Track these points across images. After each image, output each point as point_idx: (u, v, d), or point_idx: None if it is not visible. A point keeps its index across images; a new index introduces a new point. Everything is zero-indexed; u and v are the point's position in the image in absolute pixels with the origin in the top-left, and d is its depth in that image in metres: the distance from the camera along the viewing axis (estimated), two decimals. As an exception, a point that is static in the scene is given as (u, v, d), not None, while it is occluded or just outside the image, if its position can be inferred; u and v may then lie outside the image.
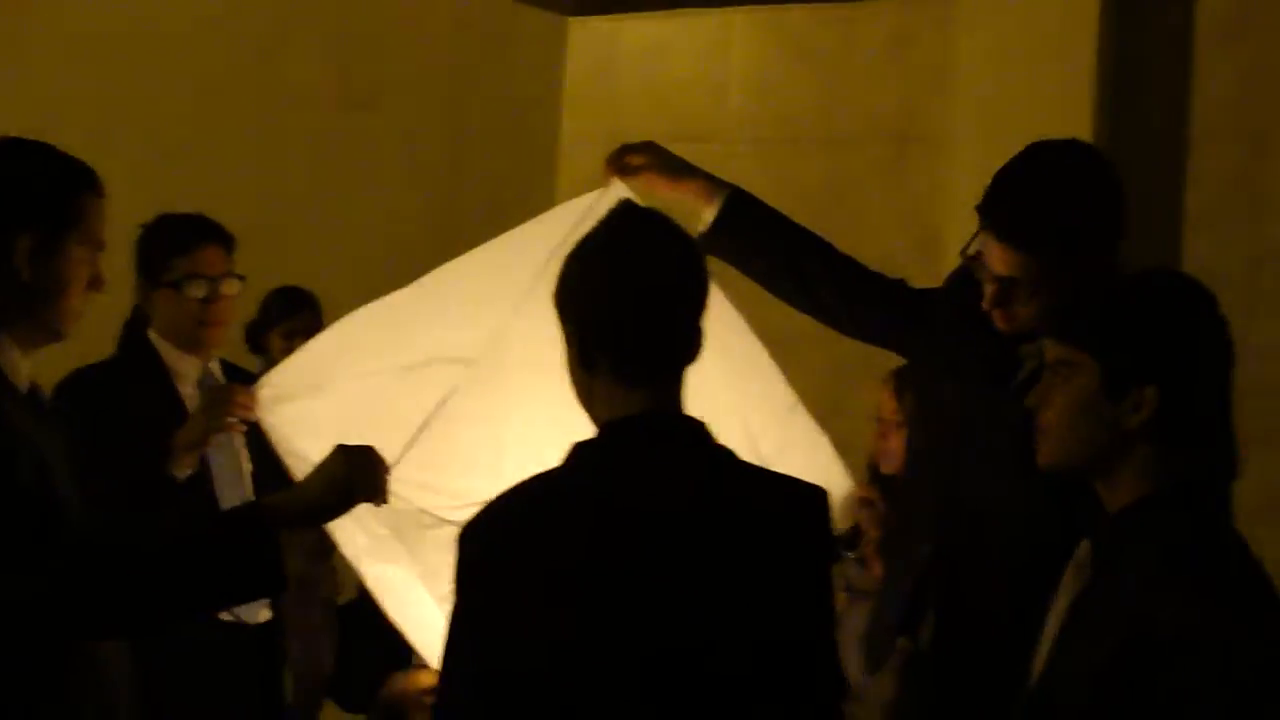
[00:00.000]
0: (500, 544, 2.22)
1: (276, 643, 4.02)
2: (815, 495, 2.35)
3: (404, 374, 3.00)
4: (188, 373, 3.89)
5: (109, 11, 6.42)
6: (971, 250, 2.99)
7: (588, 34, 6.63)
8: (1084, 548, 2.36)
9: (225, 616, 3.76)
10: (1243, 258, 5.24)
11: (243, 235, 4.00)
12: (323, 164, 6.69)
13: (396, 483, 2.72)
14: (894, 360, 3.74)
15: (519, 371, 2.84)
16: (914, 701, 3.27)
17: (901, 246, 5.42)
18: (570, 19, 6.67)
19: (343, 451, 2.64)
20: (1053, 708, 2.26)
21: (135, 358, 3.91)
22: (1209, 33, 5.38)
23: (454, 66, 6.86)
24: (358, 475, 2.64)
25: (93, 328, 2.79)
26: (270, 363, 4.64)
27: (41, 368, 2.72)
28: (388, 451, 2.71)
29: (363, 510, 2.73)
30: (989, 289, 2.95)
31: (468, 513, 2.29)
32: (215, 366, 3.98)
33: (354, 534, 2.91)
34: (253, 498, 3.79)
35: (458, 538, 2.24)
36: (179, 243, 3.88)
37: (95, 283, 2.63)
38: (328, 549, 3.64)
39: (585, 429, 2.30)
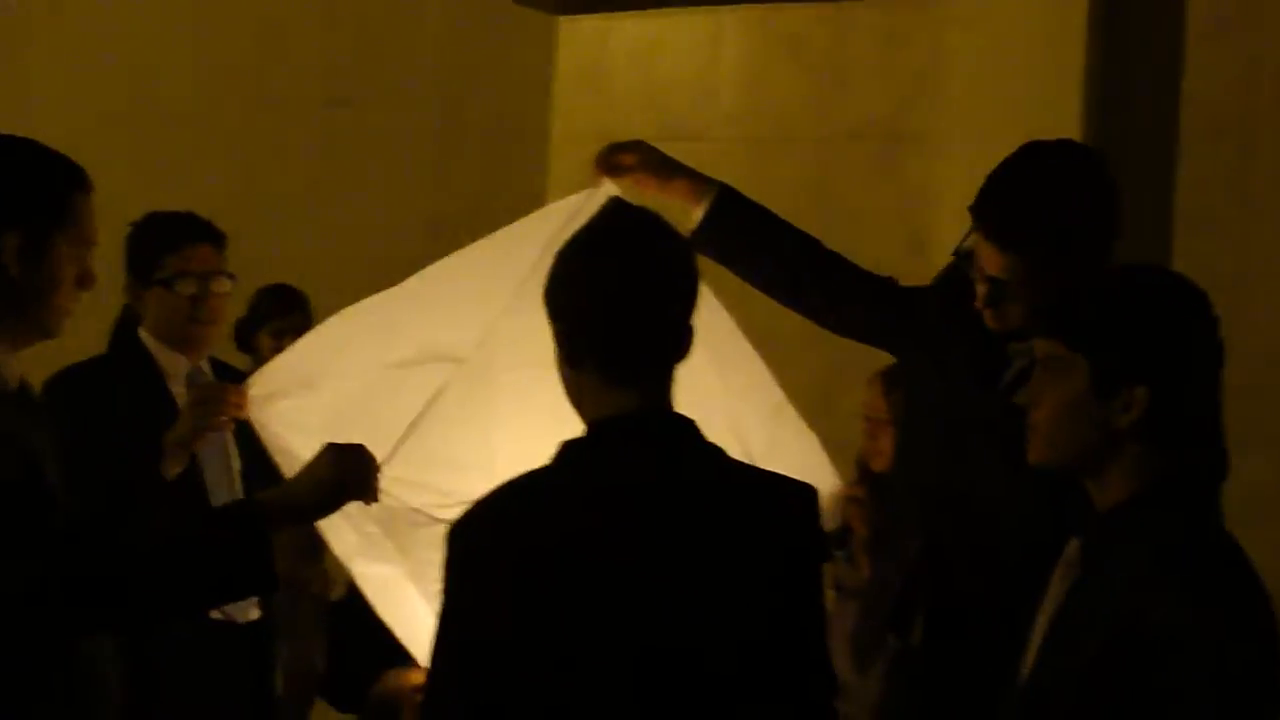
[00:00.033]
0: (489, 541, 2.22)
1: (266, 641, 4.02)
2: (805, 493, 2.36)
3: (394, 372, 3.01)
4: (178, 371, 3.89)
5: (100, 11, 6.41)
6: (963, 249, 3.00)
7: (578, 33, 6.62)
8: (1073, 546, 2.36)
9: (215, 615, 3.75)
10: (1232, 259, 5.25)
11: (233, 234, 3.99)
12: (313, 162, 6.68)
13: (387, 481, 2.71)
14: (884, 359, 3.74)
15: (509, 370, 2.84)
16: (903, 700, 3.28)
17: (892, 245, 5.40)
18: (560, 18, 6.66)
19: (333, 449, 2.64)
20: (1042, 706, 2.27)
21: (126, 356, 3.91)
22: (1199, 32, 5.38)
23: (444, 66, 6.85)
24: (348, 473, 2.64)
25: (85, 326, 2.78)
26: (259, 361, 4.64)
27: (33, 366, 2.72)
28: (378, 449, 2.71)
29: (353, 508, 2.73)
30: (980, 289, 2.95)
31: (458, 511, 2.29)
32: (204, 364, 3.97)
33: (344, 532, 2.91)
34: (242, 496, 3.79)
35: (447, 535, 2.25)
36: (169, 241, 3.87)
37: (84, 280, 2.63)
38: (318, 547, 3.63)
39: (575, 427, 2.31)
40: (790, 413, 3.29)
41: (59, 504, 2.55)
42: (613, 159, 3.23)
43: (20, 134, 2.67)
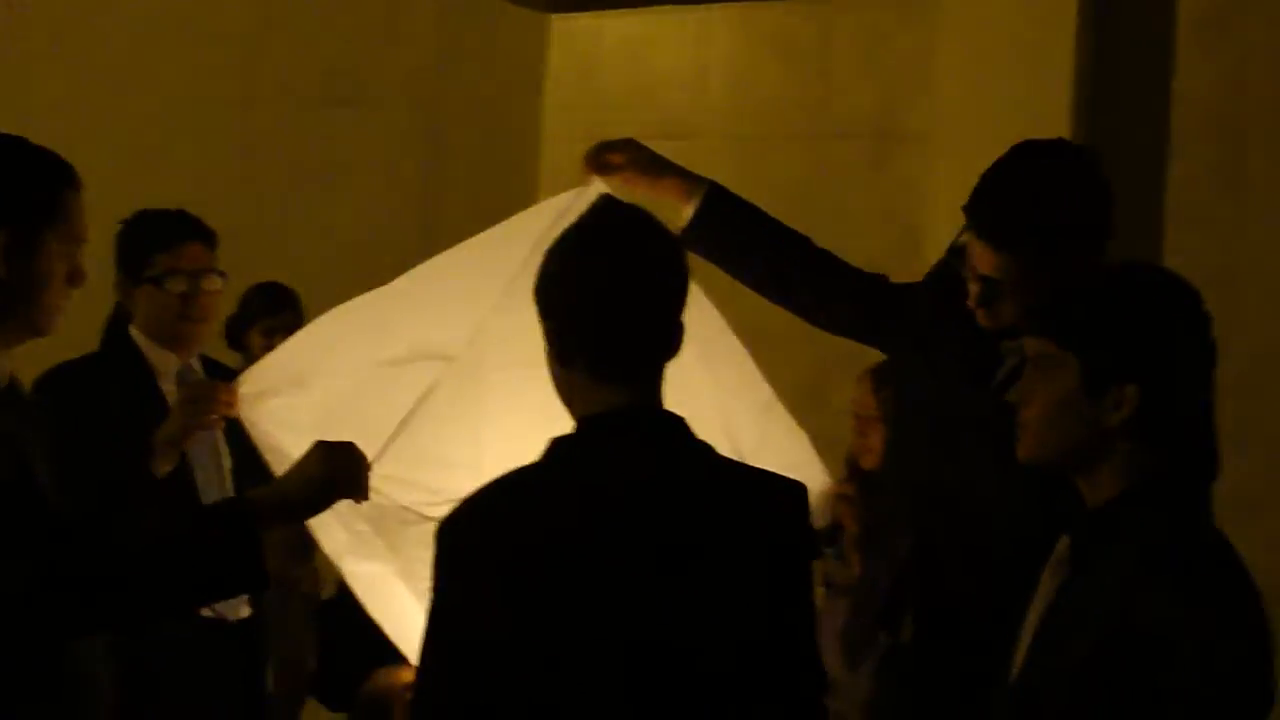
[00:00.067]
0: (478, 538, 2.22)
1: (257, 639, 4.01)
2: (794, 491, 2.36)
3: (385, 370, 3.01)
4: (169, 369, 3.88)
5: (90, 7, 6.40)
6: (957, 245, 3.00)
7: (568, 31, 6.63)
8: (1063, 544, 2.36)
9: (206, 613, 3.75)
10: (1222, 256, 5.25)
11: (224, 232, 3.98)
12: (304, 160, 6.67)
13: (377, 479, 2.71)
14: (873, 356, 3.75)
15: (500, 368, 2.84)
16: (893, 697, 3.28)
17: (881, 243, 5.41)
18: (551, 16, 6.67)
19: (323, 447, 2.64)
20: (1033, 704, 2.27)
21: (116, 354, 3.90)
22: (1189, 31, 5.39)
23: (435, 63, 6.84)
24: (338, 471, 2.64)
25: (75, 324, 2.78)
26: (250, 359, 4.63)
27: (24, 364, 2.71)
28: (368, 448, 2.71)
29: (343, 506, 2.72)
30: (973, 288, 2.95)
31: (448, 509, 2.28)
32: (195, 362, 3.97)
33: (334, 530, 2.91)
34: (233, 494, 3.79)
35: (436, 532, 2.25)
36: (160, 239, 3.87)
37: (74, 278, 2.62)
38: (309, 546, 3.63)
39: (566, 426, 2.31)
40: (780, 410, 3.29)
41: (50, 503, 2.55)
42: (602, 157, 3.23)
43: (13, 132, 2.66)
